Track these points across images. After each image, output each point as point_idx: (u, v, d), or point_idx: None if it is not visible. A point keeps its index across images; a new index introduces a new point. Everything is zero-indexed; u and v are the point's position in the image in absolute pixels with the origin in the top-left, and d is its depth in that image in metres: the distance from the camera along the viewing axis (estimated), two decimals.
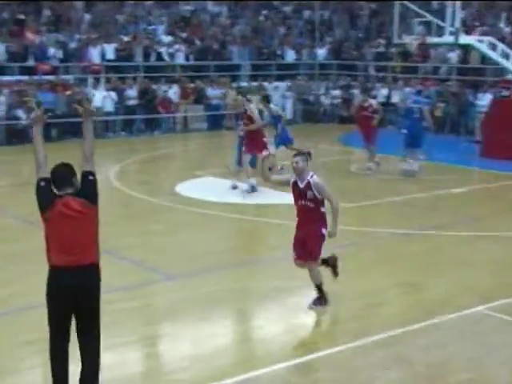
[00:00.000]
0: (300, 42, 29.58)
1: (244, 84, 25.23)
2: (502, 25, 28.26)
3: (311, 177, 7.31)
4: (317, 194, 7.25)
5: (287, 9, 32.20)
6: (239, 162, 14.08)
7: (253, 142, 13.37)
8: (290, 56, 28.55)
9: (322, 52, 29.14)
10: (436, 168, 16.14)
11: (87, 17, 26.67)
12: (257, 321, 7.70)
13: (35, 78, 22.19)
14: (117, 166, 17.08)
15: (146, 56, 25.06)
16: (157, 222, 11.73)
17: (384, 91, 24.96)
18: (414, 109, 15.47)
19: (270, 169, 11.04)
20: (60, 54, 23.54)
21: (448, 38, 25.98)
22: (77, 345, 5.28)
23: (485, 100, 20.97)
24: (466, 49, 25.50)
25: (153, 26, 27.36)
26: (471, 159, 17.69)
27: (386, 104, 24.26)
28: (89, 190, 5.29)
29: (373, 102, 16.20)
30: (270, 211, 12.39)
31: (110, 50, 24.40)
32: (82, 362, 5.31)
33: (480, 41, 25.53)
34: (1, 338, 6.81)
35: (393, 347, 6.70)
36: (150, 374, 6.33)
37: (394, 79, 25.67)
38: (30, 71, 22.64)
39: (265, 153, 7.08)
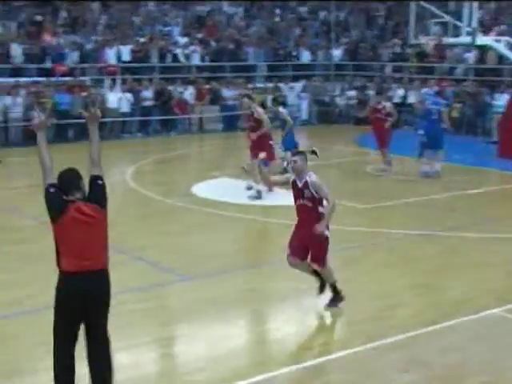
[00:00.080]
0: (316, 42, 29.55)
1: (260, 85, 25.25)
2: None
3: (309, 176, 7.35)
4: (314, 193, 7.28)
5: (303, 9, 32.17)
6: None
7: (259, 146, 13.12)
8: (306, 57, 28.53)
9: (337, 53, 29.09)
10: (452, 169, 16.04)
11: (103, 18, 26.81)
12: (271, 322, 7.69)
13: (52, 79, 22.34)
14: (133, 166, 17.14)
15: (162, 57, 25.15)
16: (172, 222, 11.75)
17: (400, 92, 24.86)
18: (432, 110, 15.38)
19: (285, 170, 11.05)
20: (76, 55, 23.69)
21: (465, 39, 25.82)
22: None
23: (502, 100, 20.81)
24: (483, 49, 25.33)
25: (169, 27, 27.45)
26: (488, 160, 17.57)
27: (402, 105, 24.19)
28: (98, 194, 5.25)
29: (387, 104, 16.08)
30: (285, 212, 12.34)
31: (126, 52, 24.52)
32: (94, 369, 5.29)
33: (497, 41, 25.34)
34: (18, 338, 6.85)
35: (408, 349, 6.66)
36: (165, 374, 6.33)
37: (410, 80, 25.56)
38: (46, 72, 22.81)
39: (261, 155, 7.05)
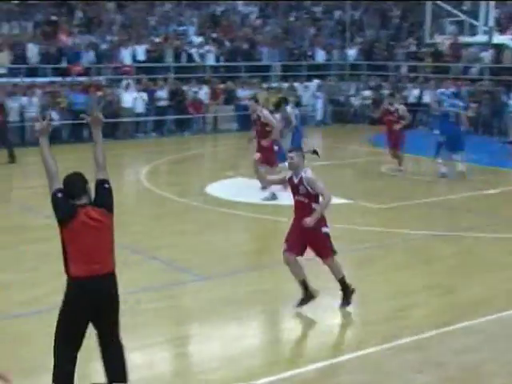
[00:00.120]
0: (330, 42, 29.50)
1: (274, 85, 25.25)
2: None
3: (304, 172, 7.40)
4: (309, 189, 7.31)
5: (317, 9, 32.14)
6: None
7: (264, 151, 12.94)
8: (321, 56, 28.49)
9: (352, 52, 29.03)
10: (469, 169, 15.94)
11: (119, 18, 26.91)
12: (286, 322, 7.69)
13: (67, 79, 22.47)
14: (147, 166, 17.20)
15: (177, 57, 25.21)
16: (187, 222, 11.78)
17: (415, 91, 24.76)
18: (450, 112, 15.27)
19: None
20: (92, 55, 23.81)
21: (481, 38, 25.69)
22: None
23: None
24: (499, 48, 25.17)
25: (183, 27, 27.51)
26: (505, 160, 17.46)
27: (417, 104, 24.10)
28: (105, 198, 5.24)
29: (400, 107, 15.99)
30: None
31: (140, 51, 24.61)
32: (109, 372, 5.30)
33: None
34: (35, 336, 6.89)
35: (424, 350, 6.63)
36: (180, 374, 6.35)
37: (426, 79, 25.45)
38: (62, 72, 22.94)
39: (257, 156, 7.05)
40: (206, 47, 26.06)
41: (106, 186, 5.27)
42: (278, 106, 15.38)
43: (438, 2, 27.05)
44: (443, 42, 26.76)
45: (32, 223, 11.45)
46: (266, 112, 13.46)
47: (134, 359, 6.25)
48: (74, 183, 5.17)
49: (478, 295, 8.17)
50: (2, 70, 22.43)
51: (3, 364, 6.09)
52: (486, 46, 25.33)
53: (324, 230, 7.42)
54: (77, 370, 5.27)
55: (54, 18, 25.24)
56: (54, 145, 21.48)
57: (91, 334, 5.31)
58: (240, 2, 30.64)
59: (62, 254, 5.16)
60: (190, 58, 25.53)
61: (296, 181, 7.41)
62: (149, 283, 8.53)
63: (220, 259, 9.62)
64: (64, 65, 23.24)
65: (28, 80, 21.80)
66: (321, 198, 7.37)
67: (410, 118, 16.42)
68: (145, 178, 15.58)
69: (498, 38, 25.23)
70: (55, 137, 20.80)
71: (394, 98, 17.00)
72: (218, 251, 10.04)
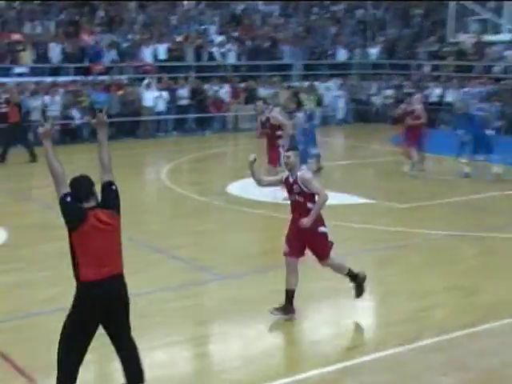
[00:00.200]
0: (352, 41, 29.41)
1: (296, 84, 25.21)
2: None
3: (300, 171, 7.40)
4: (304, 188, 7.26)
5: (339, 8, 32.04)
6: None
7: (270, 151, 12.82)
8: (342, 55, 28.40)
9: (374, 51, 28.91)
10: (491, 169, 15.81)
11: (140, 17, 27.02)
12: (306, 322, 7.66)
13: (89, 78, 22.61)
14: (168, 165, 17.25)
15: (198, 56, 25.26)
16: (207, 221, 11.80)
17: (437, 91, 24.59)
18: (476, 117, 15.10)
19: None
20: (113, 54, 23.93)
21: (505, 36, 25.45)
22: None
23: None
24: None
25: (205, 26, 27.55)
26: None
27: (440, 103, 23.93)
28: (112, 200, 5.22)
29: (417, 107, 15.88)
30: (324, 211, 12.31)
31: (162, 50, 24.69)
32: (125, 372, 5.30)
33: None
34: (57, 334, 6.92)
35: (446, 352, 6.58)
36: (200, 373, 6.36)
37: (448, 78, 25.26)
38: (84, 71, 23.09)
39: (252, 157, 6.95)
40: (227, 46, 26.09)
41: (113, 187, 5.26)
42: (300, 104, 15.28)
43: (462, 1, 26.84)
44: (466, 40, 26.55)
45: (53, 222, 11.47)
46: (275, 113, 13.28)
47: (155, 358, 6.28)
48: (82, 186, 5.13)
49: (501, 297, 8.08)
50: (25, 69, 22.63)
51: (25, 363, 6.15)
52: (510, 44, 25.09)
53: (321, 229, 7.34)
54: (97, 369, 5.29)
55: (76, 17, 25.42)
56: (75, 144, 21.87)
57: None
58: (261, 1, 30.63)
59: (70, 258, 5.13)
60: (211, 56, 25.58)
61: (291, 180, 7.39)
62: (169, 282, 8.55)
63: (240, 258, 9.62)
64: (86, 64, 23.39)
65: (50, 79, 21.97)
66: (317, 197, 7.32)
67: (428, 118, 16.19)
68: (166, 177, 15.63)
69: None
70: (76, 136, 20.99)
71: (412, 97, 16.86)
72: (238, 250, 10.04)
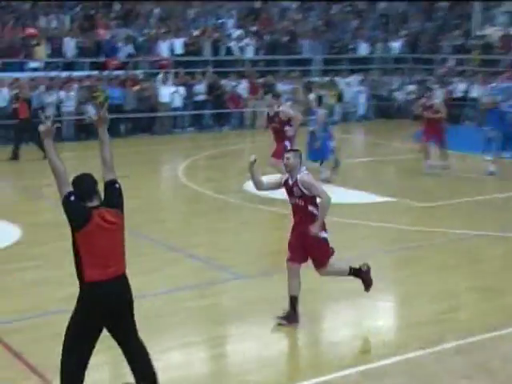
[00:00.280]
0: (373, 34, 29.29)
1: (315, 79, 25.17)
2: None
3: (299, 173, 7.23)
4: (304, 191, 7.14)
5: (360, 1, 31.93)
6: (311, 157, 13.98)
7: (276, 144, 12.77)
8: (363, 49, 28.31)
9: (396, 45, 28.77)
10: None
11: (156, 11, 27.11)
12: (326, 323, 7.67)
13: (104, 73, 22.72)
14: (185, 162, 17.30)
15: (215, 50, 25.29)
16: (225, 219, 11.82)
17: (462, 86, 24.44)
18: (508, 114, 14.97)
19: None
20: (129, 48, 24.03)
21: None
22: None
23: None
24: None
25: (222, 20, 27.58)
26: None
27: (464, 99, 23.78)
28: (116, 198, 5.20)
29: (436, 101, 15.80)
30: (340, 210, 12.31)
31: (178, 45, 24.75)
32: (137, 373, 5.31)
33: None
34: None
35: (471, 355, 6.54)
36: (217, 374, 6.37)
37: (474, 73, 25.09)
38: (99, 66, 23.21)
39: (253, 158, 6.85)
40: (245, 40, 26.09)
41: (117, 186, 5.24)
42: (320, 101, 15.23)
43: None
44: (493, 33, 26.32)
45: (66, 220, 11.61)
46: (285, 108, 13.23)
47: (170, 359, 6.31)
48: (86, 184, 5.10)
49: None
50: (39, 64, 22.79)
51: (38, 361, 6.21)
52: None
53: (322, 235, 7.19)
54: (112, 370, 5.32)
55: (91, 11, 25.56)
56: (90, 140, 21.91)
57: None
58: None
59: (73, 259, 5.14)
60: (228, 51, 25.60)
61: (291, 183, 7.25)
62: (185, 281, 8.59)
63: (258, 257, 9.63)
64: (101, 59, 23.51)
65: (65, 74, 22.11)
66: (318, 200, 7.18)
67: (451, 113, 16.05)
68: (182, 174, 15.68)
69: None
70: (91, 132, 21.07)
71: (431, 92, 16.76)
72: (256, 249, 10.05)
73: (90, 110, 21.07)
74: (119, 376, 5.81)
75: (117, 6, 26.50)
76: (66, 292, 8.02)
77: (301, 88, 23.13)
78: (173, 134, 22.26)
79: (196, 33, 25.86)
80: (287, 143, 12.83)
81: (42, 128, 5.11)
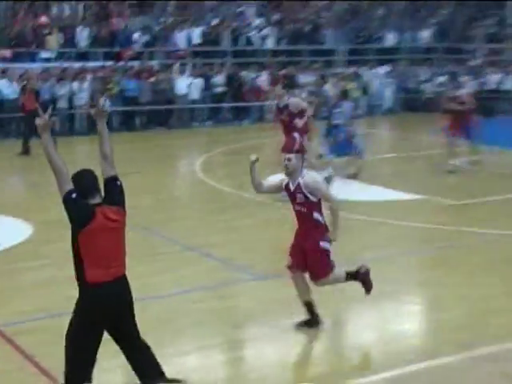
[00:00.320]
0: (401, 23, 29.13)
1: (339, 70, 25.09)
2: None
3: (302, 177, 6.96)
4: (310, 197, 6.88)
5: None
6: (333, 151, 13.93)
7: (286, 138, 12.64)
8: (391, 39, 28.17)
9: (425, 34, 28.60)
10: None
11: None
12: (350, 327, 7.64)
13: (119, 63, 22.80)
14: (202, 157, 17.33)
15: (235, 40, 25.29)
16: (244, 217, 11.81)
17: (495, 77, 24.23)
18: None
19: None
20: (144, 38, 24.09)
21: None
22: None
23: None
24: None
25: (242, 8, 27.56)
26: None
27: (497, 91, 23.59)
28: (117, 195, 5.19)
29: (463, 92, 15.67)
30: (365, 208, 12.25)
31: (196, 34, 24.78)
32: (145, 374, 5.32)
33: None
34: None
35: (504, 363, 6.47)
36: (235, 379, 6.37)
37: (508, 63, 24.87)
38: (113, 57, 23.29)
39: (254, 157, 6.71)
40: (266, 30, 26.06)
41: (118, 182, 5.24)
42: (345, 94, 15.12)
43: None
44: None
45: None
46: (294, 99, 13.06)
47: (186, 363, 6.32)
48: (86, 181, 5.08)
49: None
50: (51, 54, 22.91)
51: (50, 364, 6.24)
52: None
53: (323, 244, 6.97)
54: (125, 374, 5.33)
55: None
56: None
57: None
58: None
59: (73, 259, 5.13)
60: (248, 41, 25.59)
61: (293, 188, 7.01)
62: (203, 282, 8.59)
63: (278, 257, 9.55)
64: (115, 49, 23.59)
65: (78, 65, 22.21)
66: (324, 207, 6.96)
67: (482, 106, 15.90)
68: (199, 170, 15.70)
69: None
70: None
71: (458, 82, 16.64)
72: (277, 248, 10.00)
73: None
74: (131, 379, 5.81)
75: None
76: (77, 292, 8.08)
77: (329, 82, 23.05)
78: (190, 128, 22.30)
79: (214, 22, 25.87)
80: (296, 135, 12.71)
81: (39, 121, 5.05)
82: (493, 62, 25.69)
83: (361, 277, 7.35)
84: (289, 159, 7.04)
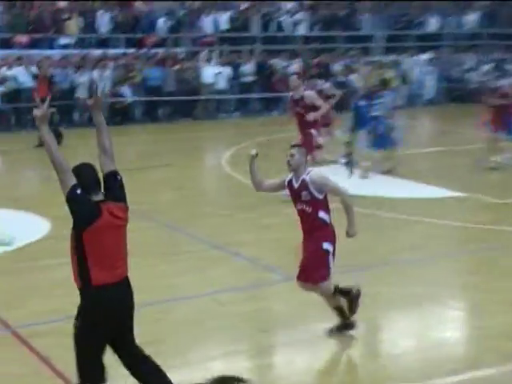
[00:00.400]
0: (445, 7, 28.93)
1: (377, 58, 25.00)
2: None
3: (307, 174, 6.88)
4: (316, 194, 6.78)
5: None
6: (373, 145, 13.91)
7: (305, 137, 12.32)
8: (433, 25, 28.00)
9: (471, 19, 28.37)
10: None
11: None
12: (386, 333, 7.63)
13: (142, 51, 22.91)
14: (229, 150, 17.37)
15: (265, 26, 25.29)
16: (273, 215, 11.82)
17: None
18: None
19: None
20: (169, 23, 24.17)
21: None
22: None
23: None
24: None
25: None
26: None
27: None
28: (119, 191, 5.20)
29: (503, 82, 15.54)
30: (403, 206, 12.22)
31: (224, 20, 24.82)
32: (149, 379, 5.36)
33: None
34: None
35: None
36: None
37: None
38: (136, 43, 23.41)
39: (254, 152, 6.63)
40: (299, 15, 26.03)
41: (118, 177, 5.25)
42: (385, 84, 14.99)
43: None
44: None
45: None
46: (309, 92, 12.95)
47: (212, 369, 6.35)
48: (89, 175, 5.06)
49: None
50: (71, 40, 23.09)
51: (66, 367, 6.31)
52: None
53: (325, 246, 6.85)
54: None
55: None
56: (126, 125, 22.12)
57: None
58: None
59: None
60: (279, 27, 25.58)
61: (296, 185, 6.92)
62: (231, 283, 8.63)
63: None
64: (138, 35, 23.72)
65: (99, 51, 22.37)
66: (331, 206, 6.91)
67: None
68: (226, 164, 15.75)
69: None
70: (127, 116, 21.31)
71: (499, 72, 16.51)
72: None
73: (127, 92, 21.31)
74: None
75: None
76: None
77: (362, 70, 22.96)
78: (216, 120, 22.35)
79: (243, 6, 25.90)
80: (314, 132, 12.66)
81: (37, 112, 5.01)
82: None
83: (351, 296, 7.09)
84: (292, 155, 6.97)
